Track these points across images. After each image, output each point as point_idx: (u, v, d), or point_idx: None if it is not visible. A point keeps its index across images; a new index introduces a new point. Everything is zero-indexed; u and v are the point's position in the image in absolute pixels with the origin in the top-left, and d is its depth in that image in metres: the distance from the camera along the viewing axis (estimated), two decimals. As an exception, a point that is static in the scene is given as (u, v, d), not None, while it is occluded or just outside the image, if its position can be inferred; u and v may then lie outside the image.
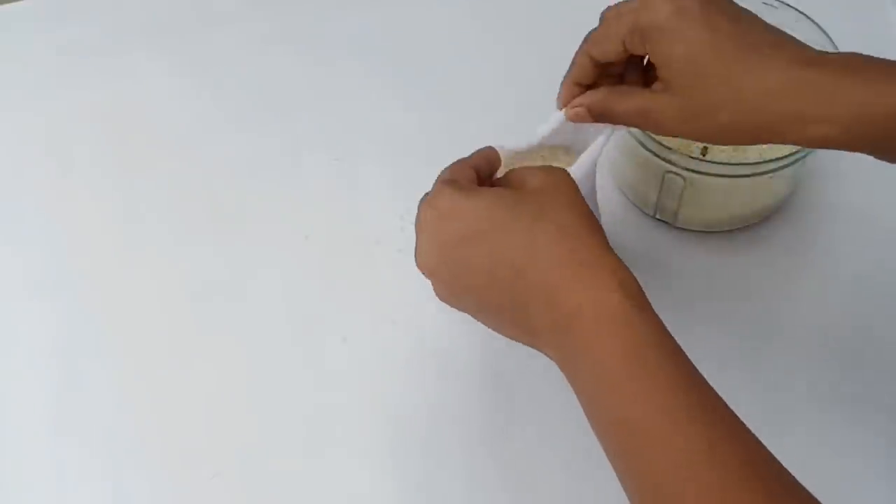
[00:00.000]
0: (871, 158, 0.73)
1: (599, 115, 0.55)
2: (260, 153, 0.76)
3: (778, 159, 0.63)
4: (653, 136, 0.64)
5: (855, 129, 0.47)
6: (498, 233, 0.47)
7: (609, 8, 0.53)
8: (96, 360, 0.65)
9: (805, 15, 0.67)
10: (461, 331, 0.66)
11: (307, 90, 0.80)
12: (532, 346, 0.48)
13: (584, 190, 0.54)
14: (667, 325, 0.65)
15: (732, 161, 0.69)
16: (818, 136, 0.48)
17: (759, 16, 0.69)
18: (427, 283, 0.67)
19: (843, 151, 0.73)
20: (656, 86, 0.52)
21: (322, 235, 0.71)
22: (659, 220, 0.70)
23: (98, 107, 0.79)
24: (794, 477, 0.41)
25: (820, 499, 0.59)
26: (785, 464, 0.62)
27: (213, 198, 0.74)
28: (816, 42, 0.66)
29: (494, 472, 0.60)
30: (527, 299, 0.46)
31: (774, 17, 0.68)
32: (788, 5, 0.68)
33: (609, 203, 0.71)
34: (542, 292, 0.45)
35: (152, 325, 0.67)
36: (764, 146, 0.70)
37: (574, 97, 0.56)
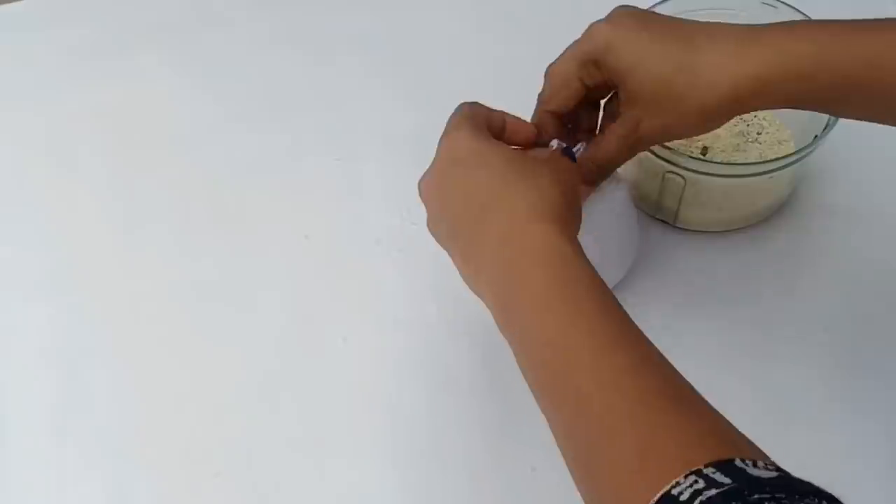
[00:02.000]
0: (870, 158, 0.74)
1: (595, 177, 0.58)
2: (261, 153, 0.76)
3: (778, 159, 0.63)
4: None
5: (818, 77, 0.49)
6: (482, 170, 0.50)
7: (549, 66, 0.57)
8: (97, 360, 0.66)
9: (805, 15, 0.67)
10: (461, 331, 0.66)
11: (308, 91, 0.80)
12: (475, 288, 0.51)
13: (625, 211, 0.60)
14: (666, 323, 0.65)
15: (732, 161, 0.69)
16: (783, 93, 0.50)
17: (760, 16, 0.70)
18: (428, 283, 0.68)
19: (842, 152, 0.73)
20: (623, 108, 0.55)
21: (322, 235, 0.71)
22: (659, 220, 0.71)
23: (99, 107, 0.79)
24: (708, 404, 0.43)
25: (820, 498, 0.59)
26: (785, 463, 0.62)
27: (214, 198, 0.74)
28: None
29: (495, 471, 0.60)
30: (482, 236, 0.49)
31: (774, 17, 0.68)
32: (788, 5, 0.68)
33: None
34: (496, 231, 0.49)
35: (152, 325, 0.67)
36: (764, 146, 0.70)
37: None
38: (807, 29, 0.51)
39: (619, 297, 0.68)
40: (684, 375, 0.64)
